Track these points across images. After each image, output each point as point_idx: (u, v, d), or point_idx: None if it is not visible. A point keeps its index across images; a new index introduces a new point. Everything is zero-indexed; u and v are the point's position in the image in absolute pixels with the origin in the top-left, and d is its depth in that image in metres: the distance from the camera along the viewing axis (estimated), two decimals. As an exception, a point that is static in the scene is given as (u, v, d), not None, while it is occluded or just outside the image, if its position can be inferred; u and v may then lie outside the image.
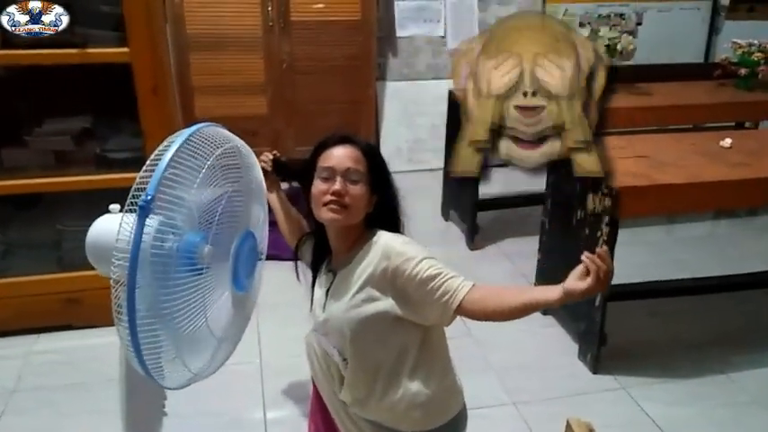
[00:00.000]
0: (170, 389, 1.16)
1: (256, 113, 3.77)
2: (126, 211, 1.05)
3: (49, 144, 2.40)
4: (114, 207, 1.24)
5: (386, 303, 1.32)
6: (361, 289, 1.33)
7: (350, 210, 1.33)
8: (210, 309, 1.18)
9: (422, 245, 1.34)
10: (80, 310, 2.44)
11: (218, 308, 1.25)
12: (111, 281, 1.03)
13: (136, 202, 1.02)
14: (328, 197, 1.32)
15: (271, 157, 1.62)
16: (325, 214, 1.33)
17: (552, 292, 1.15)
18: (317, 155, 1.38)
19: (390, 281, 1.30)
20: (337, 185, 1.31)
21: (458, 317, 1.27)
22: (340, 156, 1.34)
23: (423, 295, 1.27)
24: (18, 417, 2.08)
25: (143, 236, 1.01)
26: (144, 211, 1.02)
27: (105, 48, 2.21)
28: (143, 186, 1.04)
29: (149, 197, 1.02)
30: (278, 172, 1.59)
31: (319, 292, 1.46)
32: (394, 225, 1.41)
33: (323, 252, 1.48)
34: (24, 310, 2.42)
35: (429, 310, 1.28)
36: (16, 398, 2.16)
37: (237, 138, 1.33)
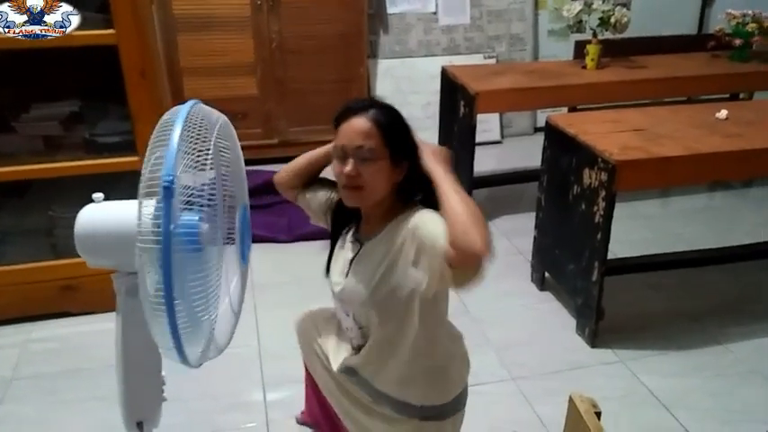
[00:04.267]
0: (194, 367, 1.15)
1: (247, 94, 3.73)
2: (145, 195, 1.03)
3: (37, 129, 2.36)
4: (98, 196, 1.20)
5: (408, 280, 1.26)
6: (387, 262, 1.30)
7: (365, 190, 1.27)
8: (229, 285, 1.20)
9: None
10: (76, 297, 2.43)
11: (235, 284, 1.26)
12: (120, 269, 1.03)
13: (154, 185, 1.00)
14: (344, 179, 1.27)
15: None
16: (343, 197, 1.30)
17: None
18: (336, 130, 1.32)
19: (410, 240, 1.23)
20: (348, 167, 1.26)
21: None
22: (350, 132, 1.27)
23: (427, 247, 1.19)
24: (17, 405, 2.07)
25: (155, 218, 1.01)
26: (168, 192, 0.99)
27: (90, 30, 2.16)
28: (157, 168, 1.01)
29: (171, 177, 0.99)
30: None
31: (341, 258, 1.43)
32: (427, 194, 1.31)
33: (346, 218, 1.44)
34: (20, 298, 2.41)
35: (425, 259, 1.19)
36: (15, 386, 2.15)
37: (222, 114, 1.30)
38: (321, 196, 1.50)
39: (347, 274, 1.40)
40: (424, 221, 1.21)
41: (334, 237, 1.48)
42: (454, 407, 1.44)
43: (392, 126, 1.28)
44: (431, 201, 1.28)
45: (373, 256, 1.34)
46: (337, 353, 1.52)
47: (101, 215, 1.17)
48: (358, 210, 1.39)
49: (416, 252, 1.21)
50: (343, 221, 1.46)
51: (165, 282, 0.99)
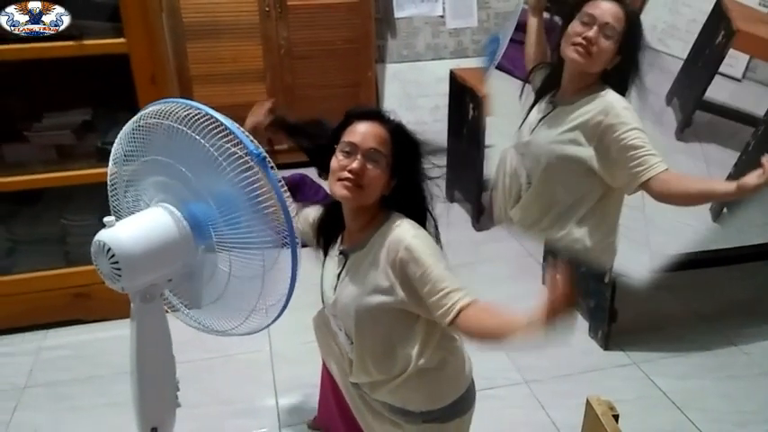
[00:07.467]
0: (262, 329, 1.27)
1: (256, 101, 3.69)
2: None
3: (49, 138, 2.38)
4: (109, 219, 1.17)
5: (394, 298, 1.31)
6: (372, 278, 1.32)
7: (364, 190, 1.29)
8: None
9: (434, 243, 1.32)
10: (89, 305, 2.44)
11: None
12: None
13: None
14: (345, 173, 1.28)
15: (268, 105, 1.58)
16: (338, 190, 1.30)
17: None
18: (343, 126, 1.34)
19: (399, 270, 1.28)
20: (355, 164, 1.27)
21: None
22: (365, 133, 1.30)
23: (424, 293, 1.27)
24: (30, 412, 2.09)
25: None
26: (265, 161, 1.08)
27: (102, 39, 2.19)
28: (235, 149, 1.09)
29: (259, 150, 1.09)
30: (283, 129, 1.53)
31: (330, 273, 1.44)
32: (412, 212, 1.36)
33: (334, 228, 1.45)
34: (33, 306, 2.42)
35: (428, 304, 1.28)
36: (28, 393, 2.17)
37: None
38: (308, 215, 1.53)
39: (335, 288, 1.41)
40: (427, 266, 1.25)
41: (324, 251, 1.49)
42: (457, 410, 1.43)
43: (403, 142, 1.33)
44: (411, 215, 1.35)
45: (360, 269, 1.35)
46: (339, 363, 1.54)
47: (134, 235, 1.16)
48: (341, 222, 1.41)
49: (410, 288, 1.28)
50: (327, 237, 1.47)
51: (291, 239, 1.14)
